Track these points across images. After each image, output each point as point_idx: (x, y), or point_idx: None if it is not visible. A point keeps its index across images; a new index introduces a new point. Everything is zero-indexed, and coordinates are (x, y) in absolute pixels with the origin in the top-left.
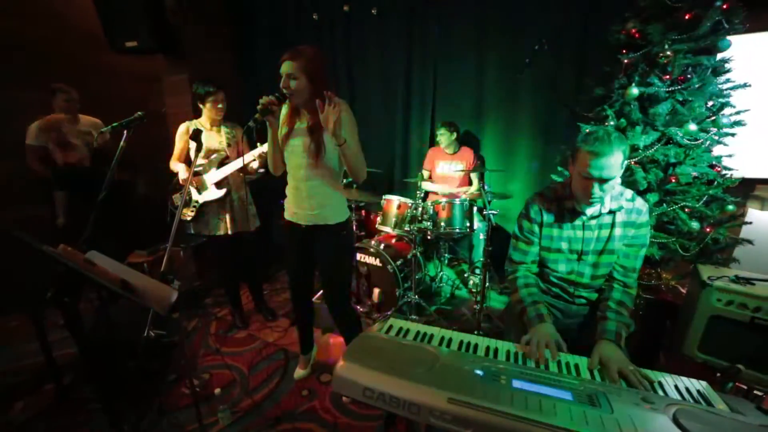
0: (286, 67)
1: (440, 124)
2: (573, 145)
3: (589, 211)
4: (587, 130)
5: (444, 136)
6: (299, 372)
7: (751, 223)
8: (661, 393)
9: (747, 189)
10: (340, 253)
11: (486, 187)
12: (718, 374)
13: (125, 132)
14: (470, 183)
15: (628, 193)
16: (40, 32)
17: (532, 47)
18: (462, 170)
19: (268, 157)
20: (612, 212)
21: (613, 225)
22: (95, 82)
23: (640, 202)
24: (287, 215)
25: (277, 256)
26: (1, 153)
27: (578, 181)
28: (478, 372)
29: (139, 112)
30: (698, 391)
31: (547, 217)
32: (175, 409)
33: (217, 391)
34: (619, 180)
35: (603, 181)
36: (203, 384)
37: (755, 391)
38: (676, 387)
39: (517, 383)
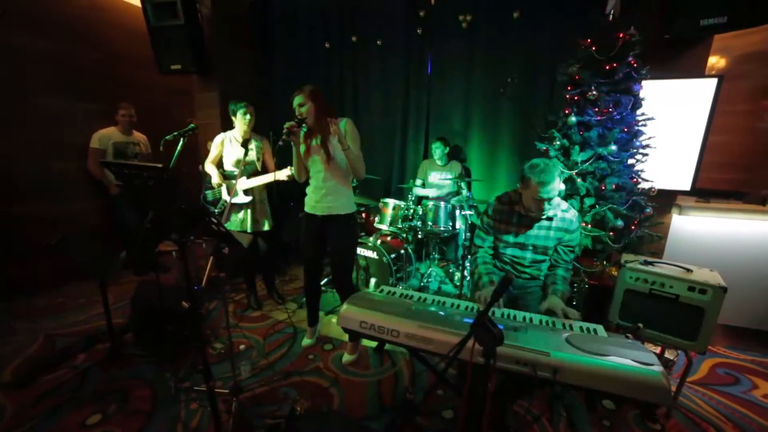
0: (296, 101)
1: (435, 138)
2: (522, 173)
3: (532, 215)
4: (531, 163)
5: (438, 149)
6: (306, 341)
7: (663, 222)
8: (568, 329)
9: (671, 198)
10: (347, 238)
11: (469, 194)
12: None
13: (182, 139)
14: (458, 192)
15: (564, 204)
16: (102, 57)
17: (506, 80)
18: (450, 179)
19: (294, 167)
20: (549, 218)
21: (549, 228)
22: (141, 96)
23: (571, 213)
24: (307, 208)
25: (287, 252)
26: (72, 155)
27: (532, 201)
28: (441, 313)
29: (192, 124)
30: (594, 330)
31: (500, 216)
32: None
33: (242, 347)
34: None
35: (550, 199)
36: (228, 348)
37: (666, 354)
38: (581, 327)
39: (467, 320)
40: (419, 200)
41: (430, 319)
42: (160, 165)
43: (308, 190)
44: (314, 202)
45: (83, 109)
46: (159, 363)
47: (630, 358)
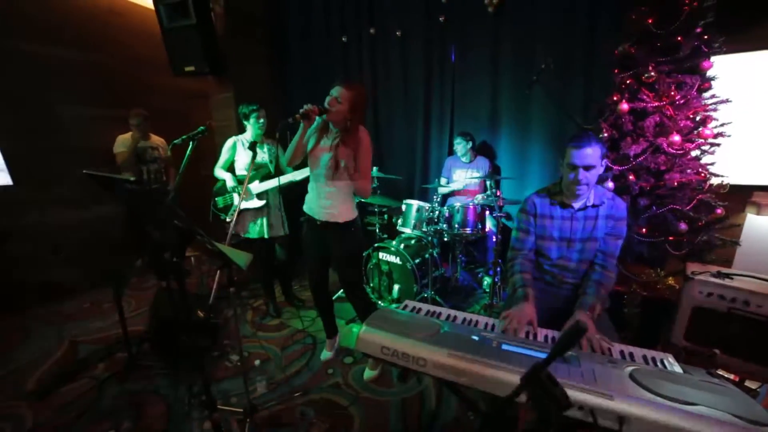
0: (336, 91)
1: (457, 134)
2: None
3: (576, 204)
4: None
5: (460, 146)
6: (325, 354)
7: (738, 225)
8: (628, 360)
9: (745, 195)
10: (349, 249)
11: (499, 193)
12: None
13: (191, 143)
14: (485, 190)
15: (609, 194)
16: (118, 63)
17: (540, 66)
18: (477, 177)
19: (289, 150)
20: (596, 206)
21: (596, 217)
22: (158, 100)
23: (619, 200)
24: (306, 208)
25: (303, 256)
26: (98, 161)
27: (566, 174)
28: (474, 337)
29: (202, 127)
30: (662, 361)
31: (541, 210)
32: (219, 379)
33: (257, 362)
34: (599, 172)
35: (586, 168)
36: (244, 360)
37: (746, 383)
38: (644, 357)
39: (505, 346)
40: (444, 201)
41: (462, 345)
42: (131, 177)
43: (309, 187)
44: (312, 204)
45: (107, 115)
46: (174, 376)
47: (727, 410)
